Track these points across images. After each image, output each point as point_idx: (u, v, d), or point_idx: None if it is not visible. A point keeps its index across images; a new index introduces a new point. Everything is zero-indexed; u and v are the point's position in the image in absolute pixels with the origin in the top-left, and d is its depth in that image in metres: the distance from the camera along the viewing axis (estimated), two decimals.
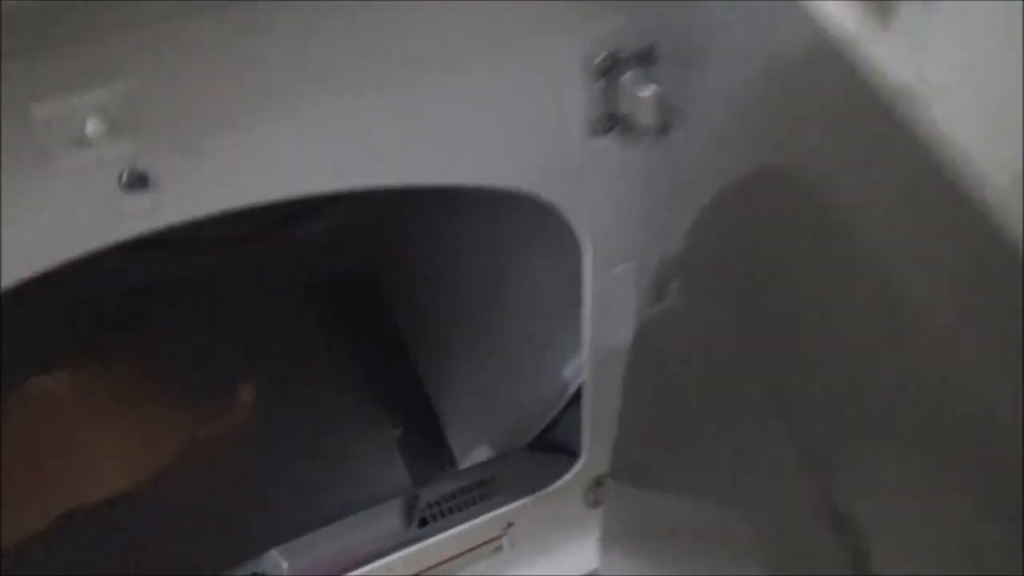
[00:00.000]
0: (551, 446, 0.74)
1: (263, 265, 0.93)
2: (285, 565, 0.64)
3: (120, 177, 0.30)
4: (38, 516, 0.36)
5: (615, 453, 0.60)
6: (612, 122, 0.40)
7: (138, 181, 0.30)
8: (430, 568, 0.69)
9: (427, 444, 0.87)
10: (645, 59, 0.38)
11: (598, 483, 0.70)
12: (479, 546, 0.70)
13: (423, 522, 0.67)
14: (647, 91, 0.37)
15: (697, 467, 0.50)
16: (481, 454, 0.82)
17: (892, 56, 0.24)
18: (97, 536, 0.67)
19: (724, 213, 0.37)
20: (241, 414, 0.48)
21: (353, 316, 0.96)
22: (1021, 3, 0.21)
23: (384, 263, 0.99)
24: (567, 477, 0.68)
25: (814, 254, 0.31)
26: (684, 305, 0.43)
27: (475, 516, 0.67)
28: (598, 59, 0.37)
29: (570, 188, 0.40)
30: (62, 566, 0.59)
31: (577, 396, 0.72)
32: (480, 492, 0.69)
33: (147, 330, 0.52)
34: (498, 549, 0.72)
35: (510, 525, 0.70)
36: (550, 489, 0.69)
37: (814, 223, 0.31)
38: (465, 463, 0.83)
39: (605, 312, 0.50)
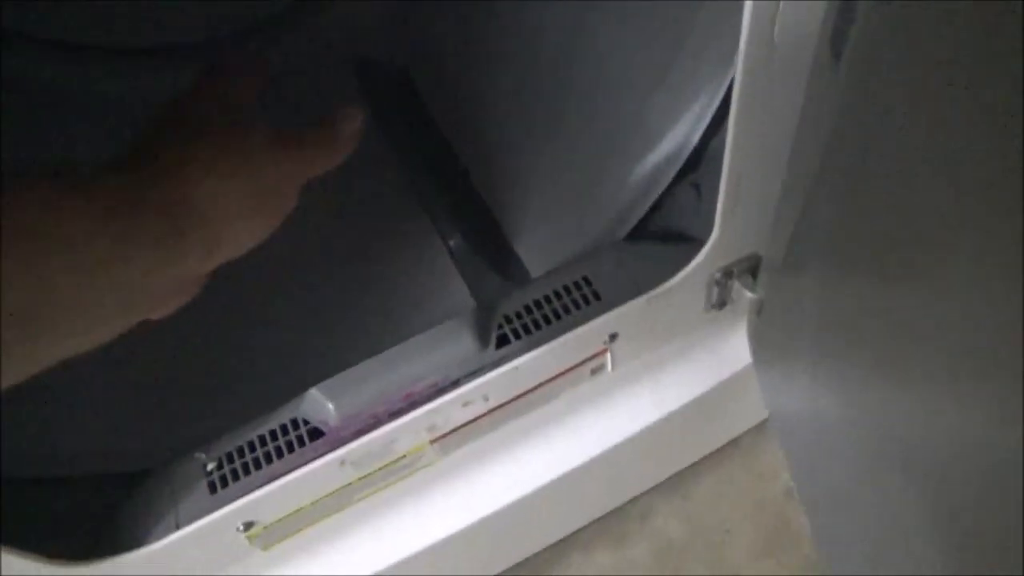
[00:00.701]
0: (657, 236, 0.57)
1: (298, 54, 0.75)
2: (330, 407, 0.50)
3: None
4: (194, 278, 0.35)
5: (790, 230, 0.42)
6: None
7: None
8: (517, 398, 0.54)
9: (491, 258, 0.70)
10: None
11: (727, 274, 0.53)
12: (576, 367, 0.55)
13: (502, 341, 0.52)
14: None
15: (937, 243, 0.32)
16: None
17: None
18: None
19: None
20: (355, 140, 0.41)
21: (391, 119, 0.78)
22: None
23: (421, 59, 0.79)
24: (687, 269, 0.51)
25: None
26: None
27: (567, 329, 0.51)
28: None
29: None
30: None
31: (688, 166, 0.54)
32: (571, 298, 0.53)
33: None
34: (600, 369, 0.57)
35: (613, 337, 0.54)
36: (664, 287, 0.52)
37: None
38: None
39: None
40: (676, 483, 0.81)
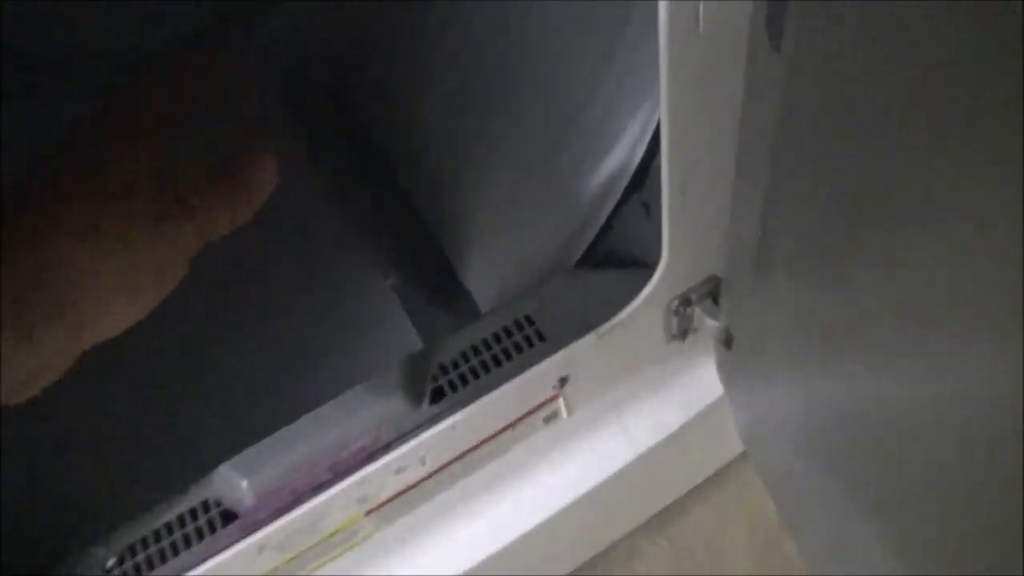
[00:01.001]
0: (606, 262, 0.51)
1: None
2: (244, 484, 0.44)
3: None
4: (60, 361, 0.31)
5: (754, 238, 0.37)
6: None
7: None
8: (461, 456, 0.48)
9: (437, 293, 0.64)
10: None
11: (685, 302, 0.47)
12: (525, 417, 0.49)
13: (438, 394, 0.46)
14: None
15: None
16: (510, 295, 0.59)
17: None
18: None
19: None
20: (263, 196, 0.36)
21: (323, 138, 0.72)
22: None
23: (353, 72, 0.73)
24: (638, 299, 0.45)
25: None
26: None
27: (509, 376, 0.45)
28: None
29: None
30: None
31: (635, 183, 0.49)
32: (512, 341, 0.47)
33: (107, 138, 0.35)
34: (554, 417, 0.51)
35: (564, 381, 0.48)
36: (614, 321, 0.46)
37: None
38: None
39: None
40: (661, 521, 0.75)
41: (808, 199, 0.32)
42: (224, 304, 0.57)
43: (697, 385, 0.57)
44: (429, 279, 0.64)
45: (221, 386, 0.54)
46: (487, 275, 0.63)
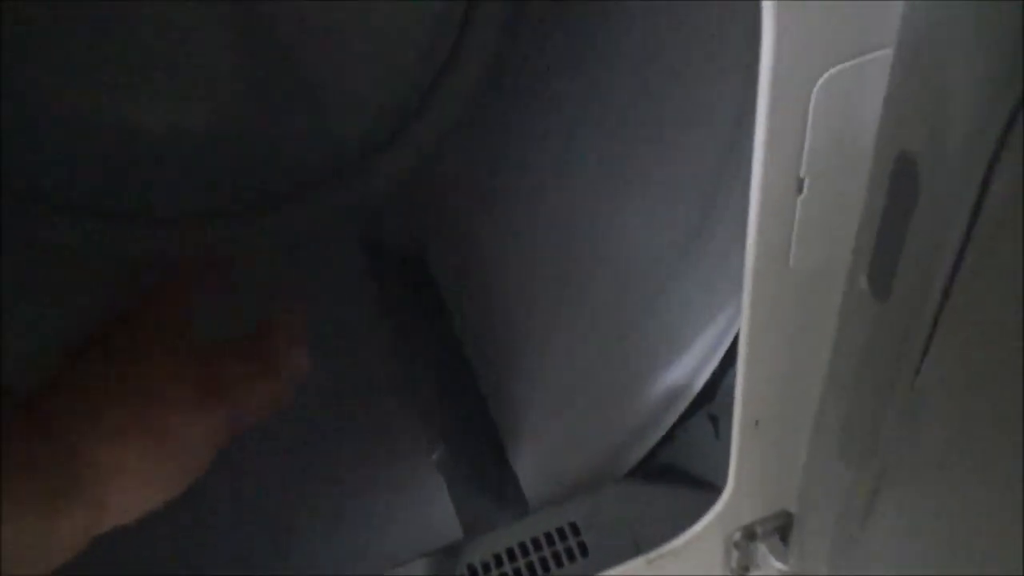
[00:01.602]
0: (665, 476, 0.47)
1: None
2: None
3: None
4: (76, 542, 0.30)
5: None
6: None
7: None
8: None
9: (482, 476, 0.61)
10: None
11: (749, 535, 0.42)
12: None
13: None
14: None
15: None
16: (560, 492, 0.56)
17: None
18: None
19: None
20: (291, 394, 0.36)
21: (392, 303, 0.72)
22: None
23: (433, 242, 0.74)
24: (698, 526, 0.41)
25: None
26: None
27: None
28: None
29: None
30: None
31: (706, 393, 0.46)
32: (552, 551, 0.43)
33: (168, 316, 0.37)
34: None
35: None
36: (668, 546, 0.42)
37: None
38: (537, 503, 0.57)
39: (814, 188, 0.23)
40: None
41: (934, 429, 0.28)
42: (250, 458, 0.54)
43: None
44: (477, 458, 0.61)
45: (231, 542, 0.51)
46: (538, 461, 0.59)
